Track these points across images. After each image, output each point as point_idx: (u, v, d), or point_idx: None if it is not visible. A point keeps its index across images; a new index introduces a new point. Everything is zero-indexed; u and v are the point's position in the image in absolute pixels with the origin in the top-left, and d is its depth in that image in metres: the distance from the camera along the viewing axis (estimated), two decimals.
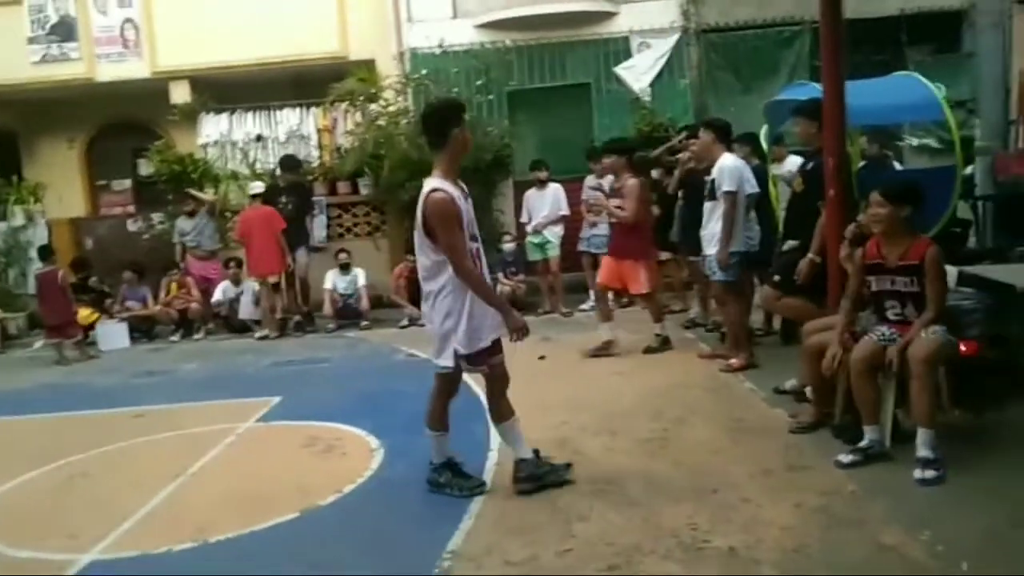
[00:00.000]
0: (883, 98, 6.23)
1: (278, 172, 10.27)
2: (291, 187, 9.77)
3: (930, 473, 3.76)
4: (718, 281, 6.18)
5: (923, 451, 3.83)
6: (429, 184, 3.78)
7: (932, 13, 10.52)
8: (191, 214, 10.29)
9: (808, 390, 4.79)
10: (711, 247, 6.11)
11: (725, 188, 5.95)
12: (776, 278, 5.44)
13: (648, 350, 6.93)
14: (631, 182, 6.83)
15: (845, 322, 4.29)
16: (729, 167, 6.01)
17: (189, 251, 10.31)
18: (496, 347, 3.93)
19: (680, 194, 7.64)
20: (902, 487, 3.76)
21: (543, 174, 9.54)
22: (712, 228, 6.09)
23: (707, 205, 6.14)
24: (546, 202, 9.49)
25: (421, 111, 3.86)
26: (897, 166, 8.81)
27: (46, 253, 9.40)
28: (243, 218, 9.74)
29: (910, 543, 3.21)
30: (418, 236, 3.80)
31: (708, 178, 6.17)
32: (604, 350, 6.99)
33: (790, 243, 5.41)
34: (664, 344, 6.96)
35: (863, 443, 4.08)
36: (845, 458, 4.05)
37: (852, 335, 4.25)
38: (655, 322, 7.00)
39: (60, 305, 8.98)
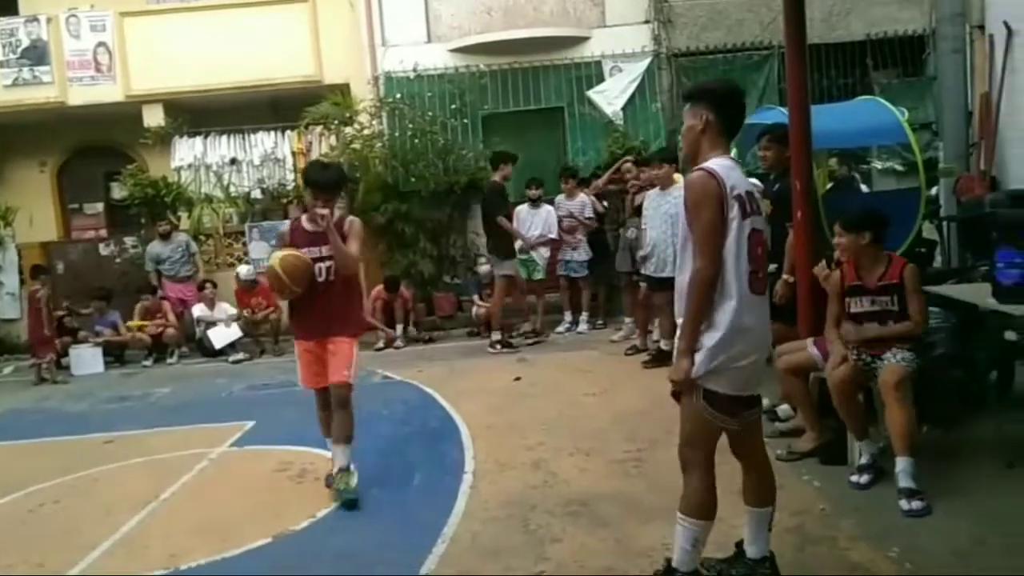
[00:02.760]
0: (848, 122, 6.35)
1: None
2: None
3: (917, 504, 3.65)
4: None
5: (905, 481, 3.74)
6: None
7: (896, 38, 10.78)
8: (165, 236, 10.24)
9: (798, 416, 4.78)
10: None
11: None
12: None
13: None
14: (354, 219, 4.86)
15: (842, 348, 4.19)
16: None
17: (164, 276, 10.26)
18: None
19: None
20: (869, 505, 3.81)
21: (537, 192, 9.18)
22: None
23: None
24: (539, 221, 9.12)
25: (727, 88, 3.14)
26: (864, 188, 8.96)
27: (36, 272, 9.60)
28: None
29: (879, 560, 3.25)
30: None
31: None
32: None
33: None
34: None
35: (866, 460, 4.05)
36: (862, 479, 4.00)
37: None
38: None
39: (34, 322, 9.17)
